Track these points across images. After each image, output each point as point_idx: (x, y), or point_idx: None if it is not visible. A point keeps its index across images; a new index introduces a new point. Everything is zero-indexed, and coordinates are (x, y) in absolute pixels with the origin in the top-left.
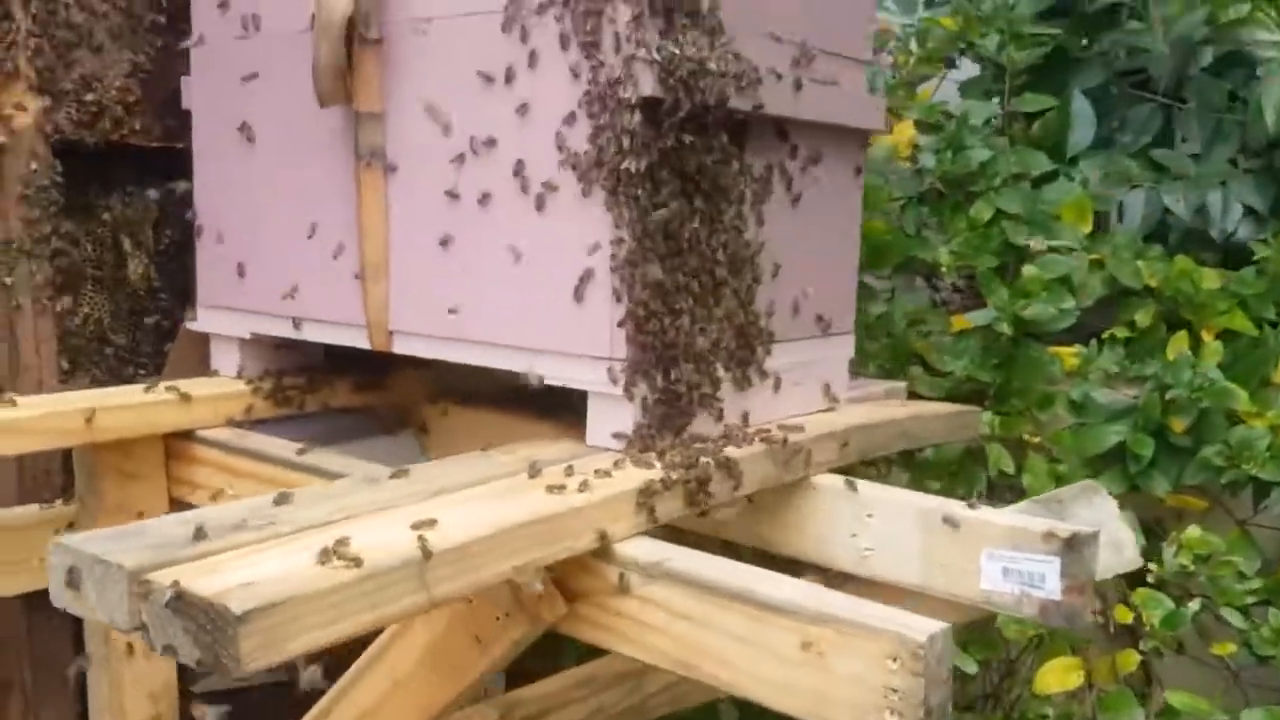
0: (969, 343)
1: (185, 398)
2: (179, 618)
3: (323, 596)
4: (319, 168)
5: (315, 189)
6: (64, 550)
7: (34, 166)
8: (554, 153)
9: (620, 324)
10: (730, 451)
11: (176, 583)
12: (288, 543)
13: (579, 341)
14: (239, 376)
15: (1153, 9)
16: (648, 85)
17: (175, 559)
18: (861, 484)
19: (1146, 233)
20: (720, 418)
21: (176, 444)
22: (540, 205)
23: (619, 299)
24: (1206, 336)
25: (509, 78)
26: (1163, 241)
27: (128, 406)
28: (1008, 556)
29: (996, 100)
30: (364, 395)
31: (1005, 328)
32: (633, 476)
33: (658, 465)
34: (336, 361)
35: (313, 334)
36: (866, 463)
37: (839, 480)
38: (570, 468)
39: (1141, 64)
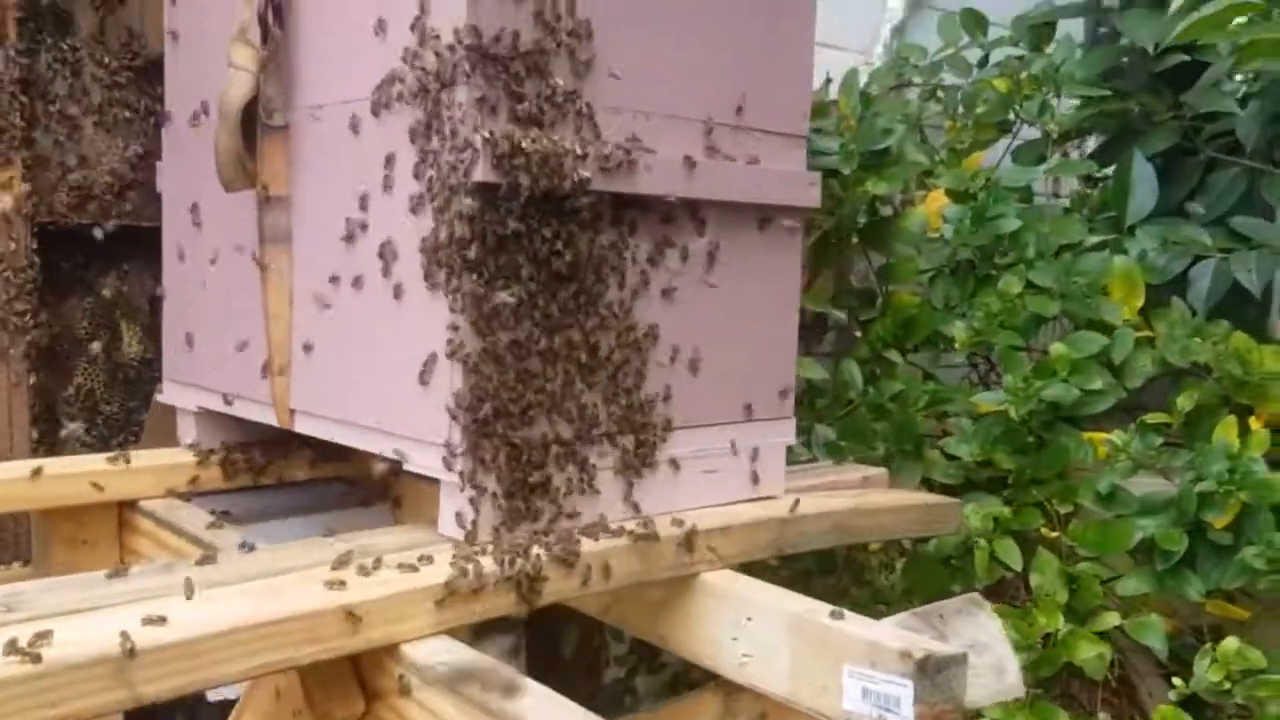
0: (986, 426)
1: (129, 468)
2: None
3: None
4: (242, 249)
5: (241, 271)
6: None
7: (13, 247)
8: (410, 239)
9: (458, 411)
10: (585, 545)
11: None
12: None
13: (426, 428)
14: (193, 447)
15: (1227, 63)
16: (481, 171)
17: None
18: (744, 583)
19: (1216, 307)
20: (586, 507)
21: (127, 513)
22: (398, 292)
23: (458, 386)
24: (1255, 423)
25: (383, 164)
26: (1240, 318)
27: (67, 475)
28: (867, 675)
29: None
30: (323, 468)
31: (1014, 412)
32: (440, 572)
33: (484, 559)
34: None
35: (240, 410)
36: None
37: (726, 578)
38: (378, 560)
39: (1228, 126)
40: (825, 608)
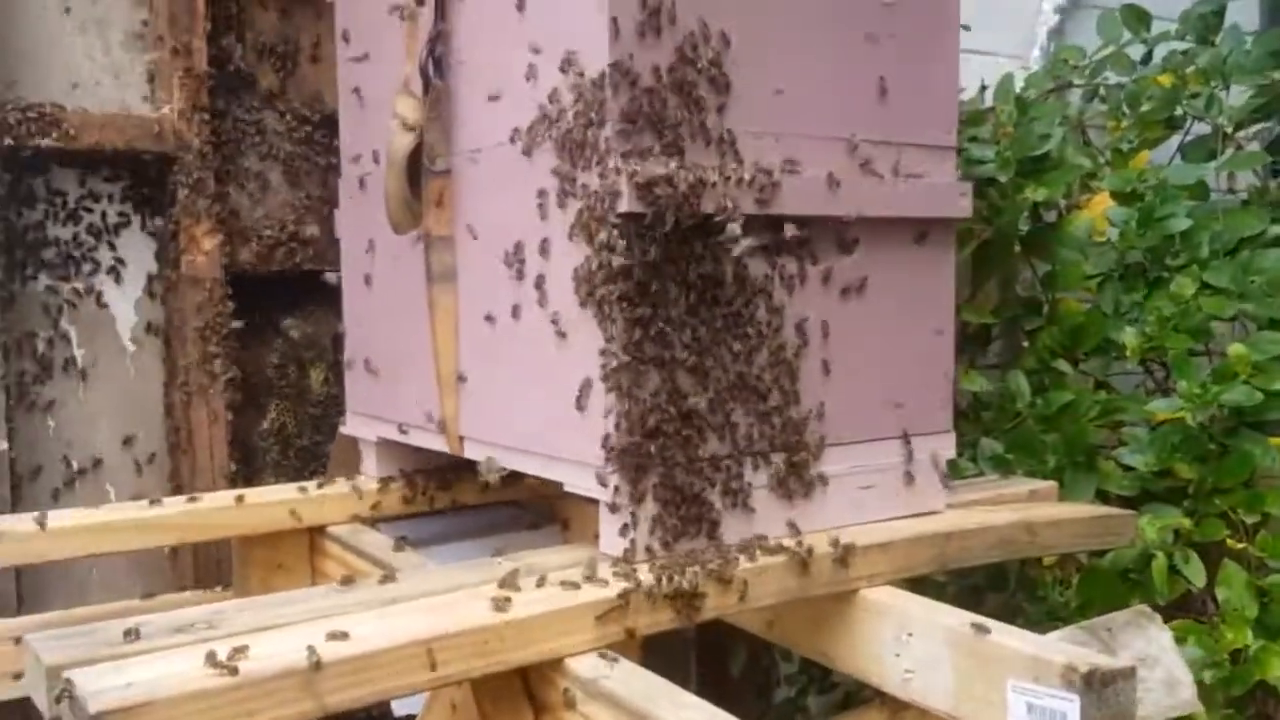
0: (1163, 435)
1: (317, 497)
2: (71, 711)
3: (191, 700)
4: (413, 289)
5: (411, 308)
6: (27, 644)
7: (210, 297)
8: (563, 270)
9: (614, 434)
10: (742, 563)
11: (70, 680)
12: (199, 648)
13: (585, 451)
14: (376, 475)
15: None
16: (627, 202)
17: (96, 657)
18: (904, 599)
19: None
20: (743, 525)
21: (317, 538)
22: (554, 321)
23: (614, 410)
24: None
25: (536, 201)
26: None
27: (264, 504)
28: (1031, 690)
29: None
30: (494, 492)
31: (1191, 419)
32: (600, 588)
33: (642, 577)
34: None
35: (415, 439)
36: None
37: (886, 594)
38: (543, 577)
39: None
40: (987, 622)
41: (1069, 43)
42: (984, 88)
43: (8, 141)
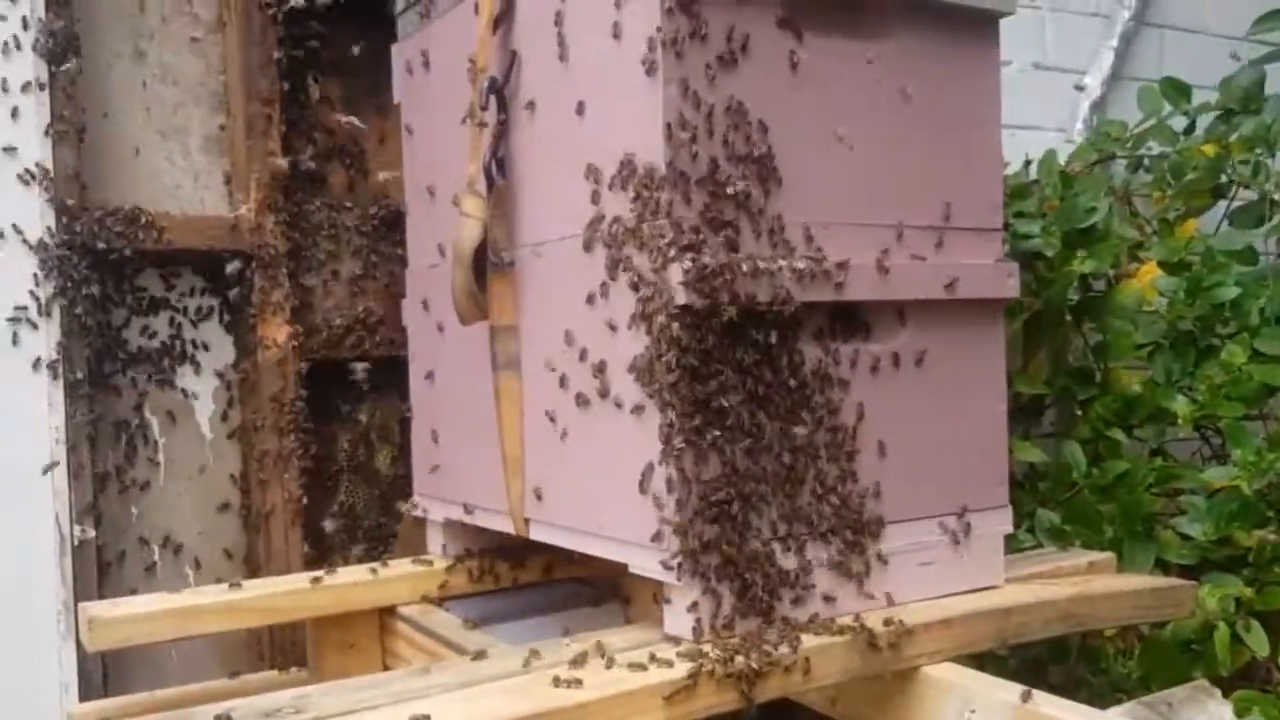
0: (1219, 503)
1: (386, 578)
2: None
3: None
4: (479, 376)
5: (477, 394)
6: None
7: (285, 384)
8: (624, 358)
9: (675, 516)
10: (804, 641)
11: None
12: None
13: (647, 533)
14: (443, 555)
15: None
16: (683, 294)
17: None
18: (965, 675)
19: None
20: (804, 604)
21: (387, 618)
22: (615, 407)
23: (675, 493)
24: None
25: (597, 292)
26: None
27: (336, 585)
28: None
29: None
30: (558, 570)
31: (1247, 487)
32: (666, 670)
33: (707, 658)
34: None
35: (480, 520)
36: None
37: (948, 670)
38: (610, 659)
39: None
40: (1045, 697)
41: (1111, 116)
42: (1028, 162)
43: (99, 245)
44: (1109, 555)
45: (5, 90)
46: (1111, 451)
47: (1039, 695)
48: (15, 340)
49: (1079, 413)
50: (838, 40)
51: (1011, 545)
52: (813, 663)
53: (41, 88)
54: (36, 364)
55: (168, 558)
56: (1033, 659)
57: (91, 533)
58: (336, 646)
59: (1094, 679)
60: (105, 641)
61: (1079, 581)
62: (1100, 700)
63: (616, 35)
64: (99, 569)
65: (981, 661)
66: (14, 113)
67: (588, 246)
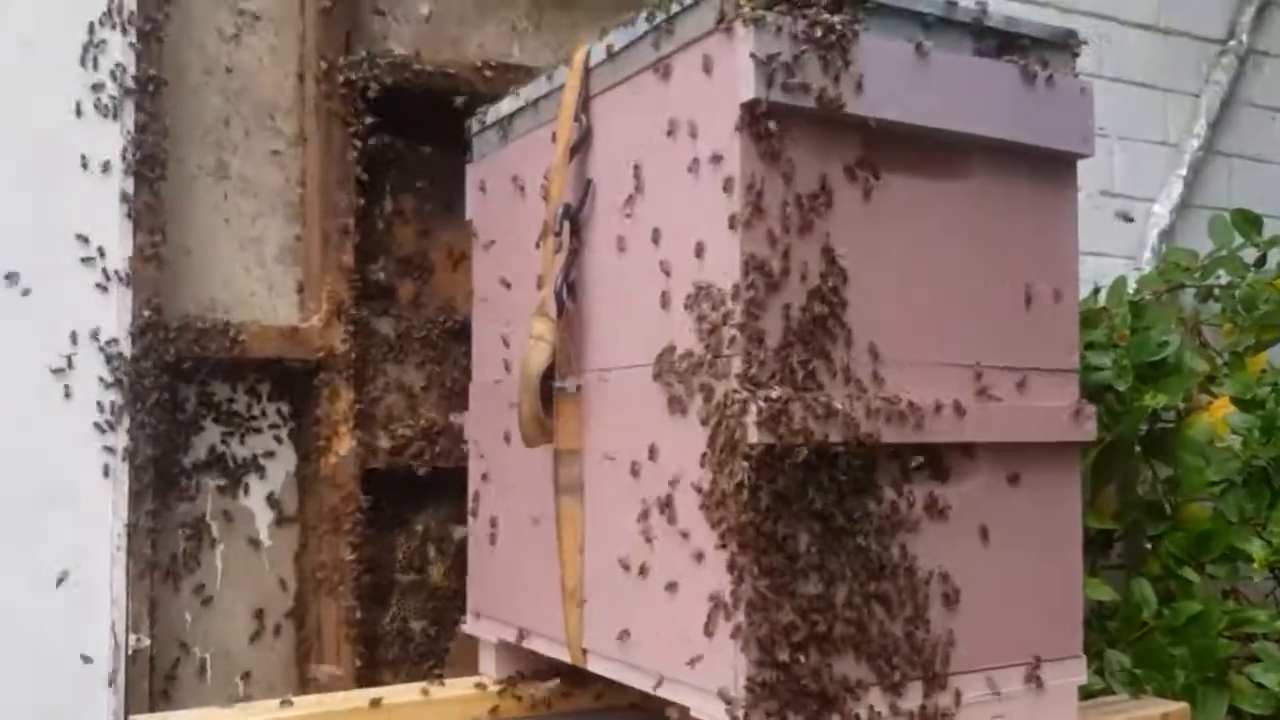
0: None
1: (434, 699)
2: None
3: None
4: (538, 497)
5: (536, 516)
6: None
7: (344, 494)
8: (691, 494)
9: (740, 662)
10: None
11: None
12: None
13: (710, 677)
14: (494, 677)
15: None
16: (754, 433)
17: None
18: None
19: None
20: None
21: None
22: (682, 543)
23: (743, 639)
24: None
25: (665, 426)
26: None
27: (387, 706)
28: None
29: None
30: (610, 698)
31: None
32: None
33: None
34: None
35: (536, 645)
36: None
37: None
38: None
39: None
40: None
41: (1179, 244)
42: (1097, 290)
43: (172, 351)
44: (1183, 706)
45: (90, 201)
46: (1184, 591)
47: None
48: (86, 446)
49: (1149, 548)
50: (916, 180)
51: (1082, 690)
52: None
53: (125, 200)
54: (106, 472)
55: (219, 666)
56: None
57: (146, 641)
58: None
59: None
60: None
61: None
62: None
63: (694, 171)
64: (150, 678)
65: None
66: (97, 222)
67: (657, 377)
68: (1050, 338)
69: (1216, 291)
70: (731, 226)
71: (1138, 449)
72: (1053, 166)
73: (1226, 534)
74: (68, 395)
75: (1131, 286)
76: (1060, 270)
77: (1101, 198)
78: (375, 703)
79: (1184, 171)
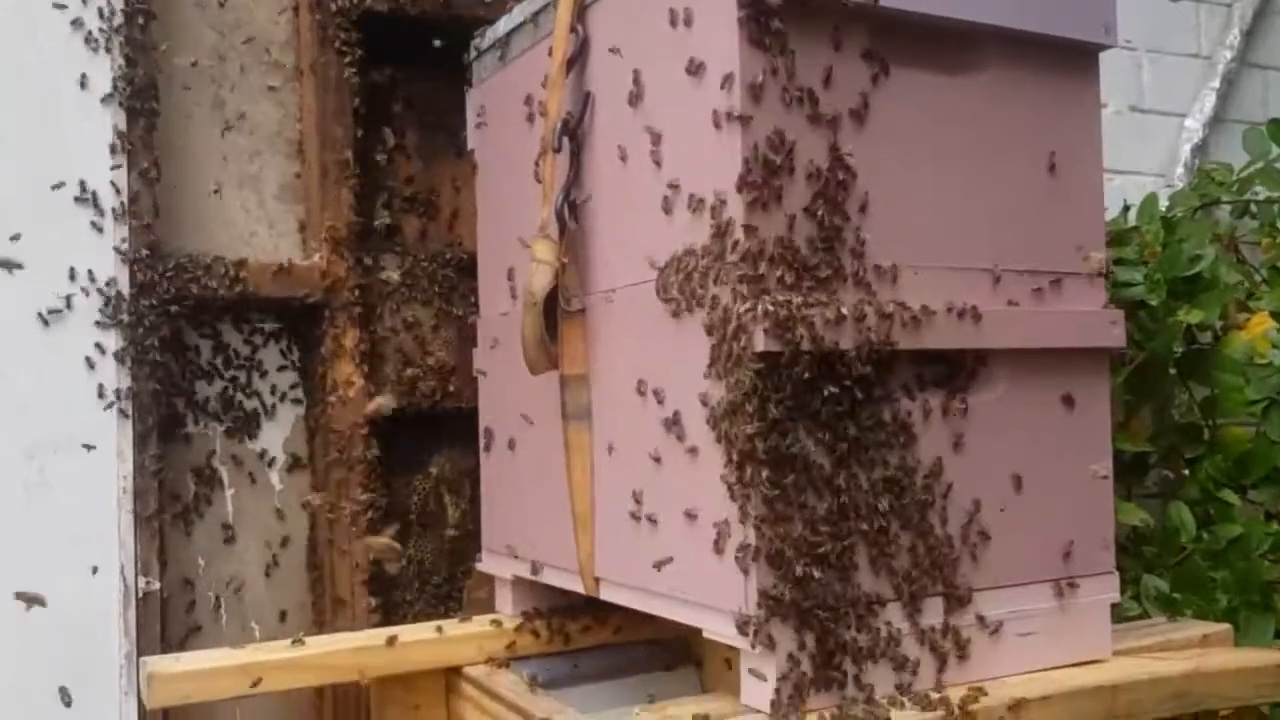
0: None
1: (452, 636)
2: None
3: None
4: (549, 427)
5: (547, 446)
6: None
7: (355, 435)
8: (699, 408)
9: (752, 578)
10: (892, 715)
11: None
12: None
13: (723, 595)
14: (511, 614)
15: None
16: (761, 340)
17: None
18: None
19: None
20: (891, 675)
21: (453, 679)
22: (690, 460)
23: (753, 554)
24: None
25: (671, 340)
26: None
27: (398, 644)
28: None
29: None
30: (629, 632)
31: None
32: None
33: None
34: None
35: (549, 578)
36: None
37: None
38: None
39: None
40: None
41: (1214, 159)
42: (1127, 207)
43: (171, 291)
44: (1225, 627)
45: (83, 137)
46: (1223, 514)
47: None
48: (87, 389)
49: (1186, 472)
50: (928, 74)
51: (1117, 614)
52: None
53: (120, 136)
54: (107, 410)
55: (232, 609)
56: None
57: (156, 584)
58: (401, 707)
59: None
60: (165, 698)
61: (1193, 656)
62: None
63: (693, 72)
64: (162, 621)
65: None
66: (90, 159)
67: (662, 291)
68: (1073, 240)
69: (1253, 206)
70: (730, 126)
71: (1173, 371)
72: (1073, 59)
73: (1268, 455)
74: (67, 338)
75: (1164, 204)
76: (1083, 169)
77: (1131, 114)
78: (391, 641)
79: (1217, 84)
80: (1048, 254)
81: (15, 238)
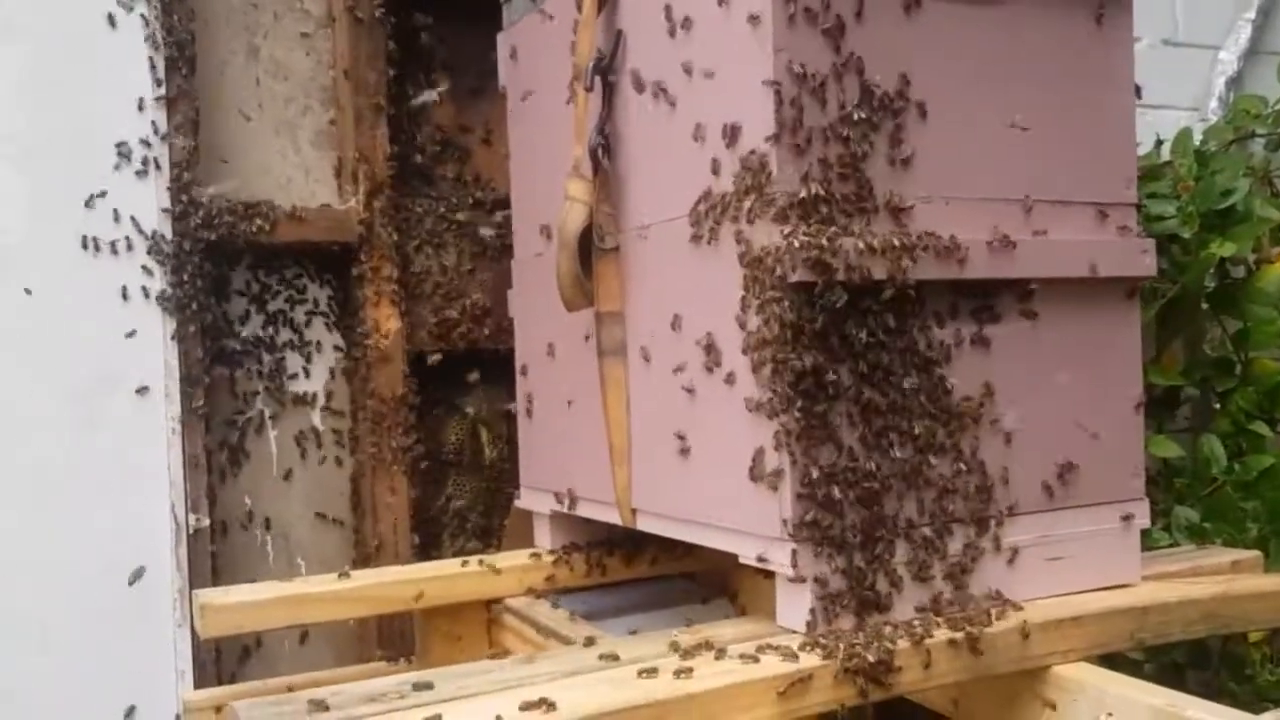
0: None
1: (493, 569)
2: None
3: None
4: (585, 364)
5: (583, 382)
6: (230, 711)
7: (393, 377)
8: (735, 340)
9: (789, 505)
10: (925, 639)
11: None
12: (392, 717)
13: (759, 522)
14: (549, 548)
15: None
16: (796, 271)
17: None
18: (1099, 676)
19: None
20: (926, 597)
21: (494, 611)
22: (726, 391)
23: (789, 479)
24: None
25: (705, 273)
26: None
27: (439, 577)
28: None
29: None
30: (665, 564)
31: None
32: (779, 662)
33: (824, 650)
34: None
35: (586, 510)
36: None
37: (1082, 670)
38: (722, 650)
39: None
40: (1190, 700)
41: (1248, 92)
42: (1160, 142)
43: (212, 237)
44: (1255, 554)
45: (124, 87)
46: (1254, 446)
47: (1185, 699)
48: (130, 334)
49: (1218, 405)
50: (958, 5)
51: (1148, 544)
52: (934, 659)
53: (159, 84)
54: (153, 352)
55: (279, 547)
56: (1170, 664)
57: (206, 521)
58: (444, 637)
59: (1237, 687)
60: (218, 628)
61: (1223, 580)
62: (1246, 709)
63: (723, 4)
64: (212, 557)
65: (1115, 666)
66: (138, 106)
67: (695, 224)
68: (1105, 171)
69: None
70: (762, 60)
71: (1205, 305)
72: None
73: None
74: (110, 282)
75: (1198, 138)
76: (1115, 100)
77: (1164, 47)
78: (433, 575)
79: (1252, 15)
80: (1079, 184)
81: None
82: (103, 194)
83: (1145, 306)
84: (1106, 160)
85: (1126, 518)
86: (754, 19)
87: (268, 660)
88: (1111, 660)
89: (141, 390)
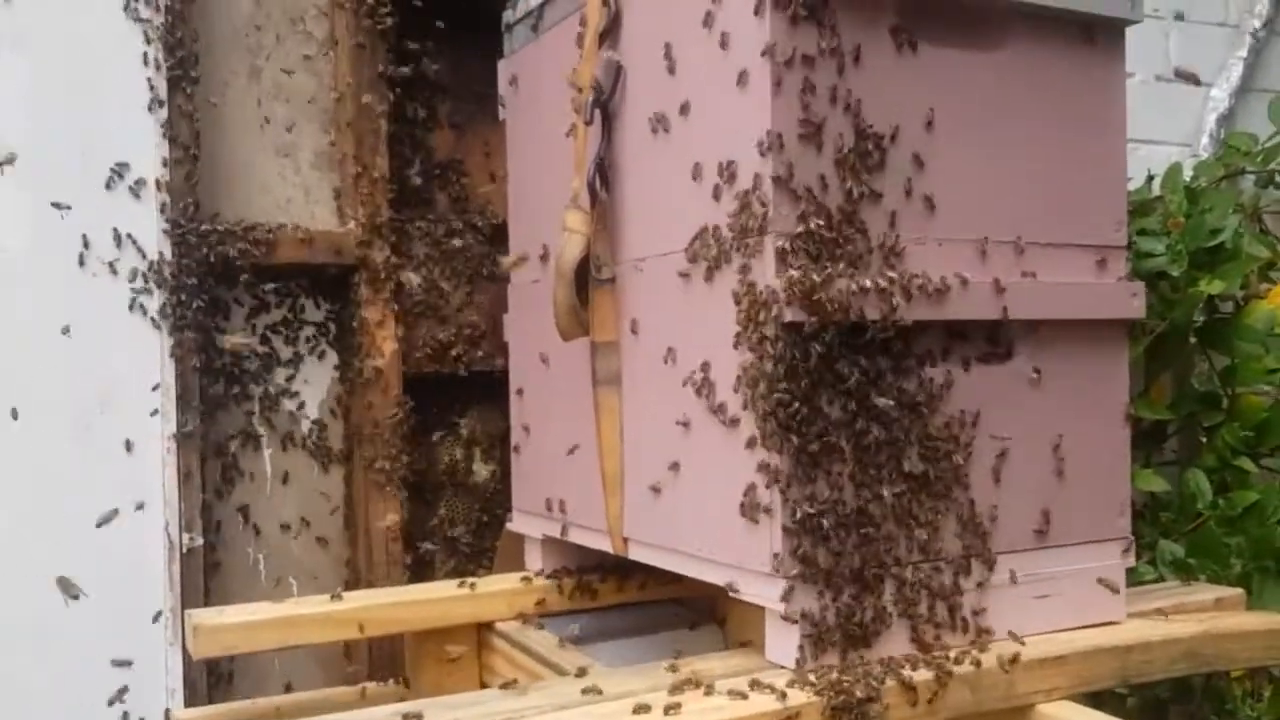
0: None
1: (481, 593)
2: None
3: None
4: (579, 391)
5: (577, 411)
6: None
7: (388, 397)
8: (727, 376)
9: (779, 540)
10: (911, 676)
11: None
12: None
13: (750, 557)
14: (540, 572)
15: None
16: (788, 311)
17: None
18: (1084, 715)
19: None
20: (914, 634)
21: (486, 634)
22: (718, 426)
23: (779, 516)
24: None
25: (699, 308)
26: None
27: (431, 600)
28: None
29: None
30: (654, 590)
31: None
32: (768, 700)
33: (810, 688)
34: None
35: (577, 537)
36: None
37: (1065, 709)
38: (710, 686)
39: None
40: None
41: (1240, 129)
42: (1151, 177)
43: (211, 256)
44: (1238, 592)
45: (124, 105)
46: (1239, 481)
47: None
48: (131, 349)
49: (1204, 440)
50: (953, 50)
51: (1132, 578)
52: (920, 697)
53: (160, 104)
54: (150, 371)
55: (272, 566)
56: (1154, 699)
57: (199, 541)
58: (434, 659)
59: None
60: (209, 649)
61: (1206, 619)
62: None
63: (724, 45)
64: (205, 577)
65: (1100, 701)
66: (140, 126)
67: (691, 260)
68: (1096, 213)
69: (1278, 177)
70: (760, 100)
71: (1193, 340)
72: (1098, 34)
73: None
74: (108, 300)
75: (1188, 174)
76: (1107, 144)
77: (1157, 83)
78: (424, 597)
79: (1244, 53)
80: (1070, 226)
81: (59, 205)
82: (103, 213)
83: (1134, 341)
84: (1098, 203)
85: (1113, 556)
86: (753, 61)
87: (255, 677)
88: (1096, 694)
89: (137, 408)
